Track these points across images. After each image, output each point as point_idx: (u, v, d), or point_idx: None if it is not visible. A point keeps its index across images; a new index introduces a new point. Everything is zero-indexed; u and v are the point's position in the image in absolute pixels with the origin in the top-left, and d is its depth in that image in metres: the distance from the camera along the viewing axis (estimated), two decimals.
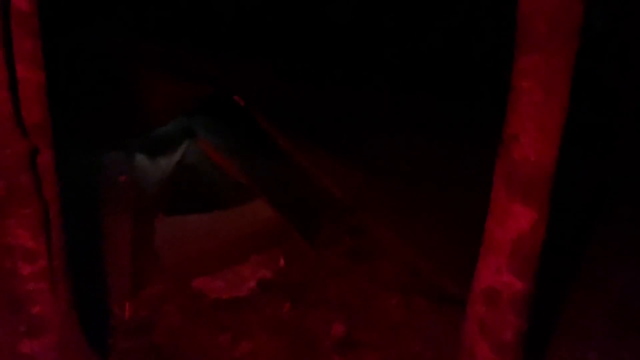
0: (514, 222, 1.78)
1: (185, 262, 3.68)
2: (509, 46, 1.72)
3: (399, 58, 3.29)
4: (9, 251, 1.91)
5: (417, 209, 2.72)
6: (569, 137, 1.70)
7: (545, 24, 1.57)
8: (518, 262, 1.80)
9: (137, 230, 3.52)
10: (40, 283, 1.94)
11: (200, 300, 3.51)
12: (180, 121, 3.65)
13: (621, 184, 4.61)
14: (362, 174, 2.70)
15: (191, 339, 3.12)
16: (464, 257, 2.68)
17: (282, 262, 4.03)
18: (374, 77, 3.08)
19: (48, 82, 1.96)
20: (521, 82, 1.71)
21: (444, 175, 2.83)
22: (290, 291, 3.63)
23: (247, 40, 2.89)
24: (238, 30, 2.87)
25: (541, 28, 1.63)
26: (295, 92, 2.76)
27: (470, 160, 2.87)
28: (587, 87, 1.72)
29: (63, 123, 2.03)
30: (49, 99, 1.98)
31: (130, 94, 2.81)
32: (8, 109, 1.81)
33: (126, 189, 3.44)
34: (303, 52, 2.80)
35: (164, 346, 3.00)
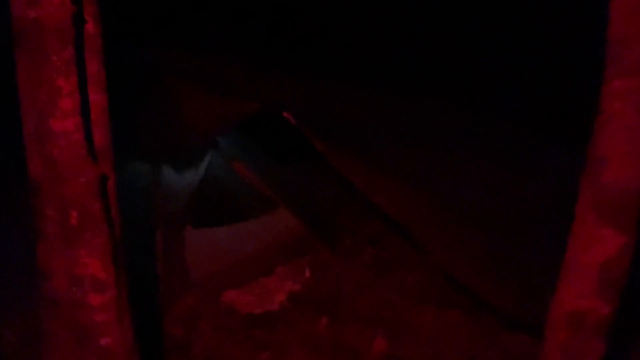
0: (602, 246, 1.77)
1: (215, 275, 3.62)
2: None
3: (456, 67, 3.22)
4: (79, 281, 1.83)
5: (467, 225, 2.68)
6: None
7: None
8: (605, 286, 1.78)
9: (166, 243, 3.44)
10: (109, 314, 1.86)
11: (232, 316, 3.44)
12: None
13: None
14: (415, 191, 2.64)
15: (229, 359, 3.05)
16: (520, 276, 2.67)
17: (307, 273, 3.98)
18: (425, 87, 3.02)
19: None
20: (613, 104, 1.69)
21: (492, 191, 2.80)
22: (322, 305, 3.57)
23: (294, 53, 2.82)
24: (284, 42, 2.80)
25: (637, 51, 1.60)
26: (349, 107, 2.70)
27: (517, 178, 2.85)
28: None
29: None
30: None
31: (168, 111, 2.72)
32: (82, 135, 1.73)
33: (155, 203, 3.35)
34: (353, 63, 2.75)
35: None
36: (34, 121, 1.77)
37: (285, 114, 2.58)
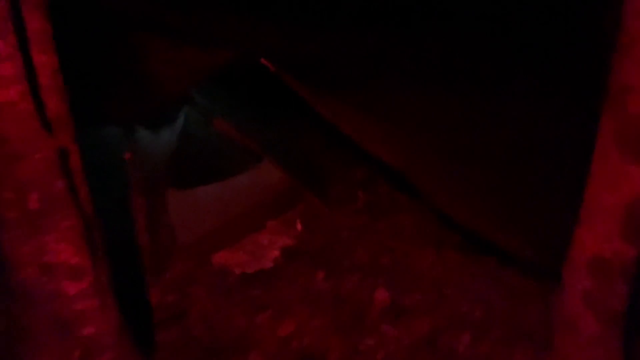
0: (628, 184, 1.59)
1: (204, 237, 3.45)
2: None
3: None
4: (50, 271, 1.62)
5: (464, 165, 2.50)
6: None
7: None
8: (631, 228, 1.63)
9: (149, 209, 3.23)
10: (89, 301, 1.67)
11: (226, 277, 3.30)
12: None
13: None
14: (407, 134, 2.44)
15: (228, 323, 2.93)
16: (526, 215, 2.52)
17: (299, 226, 3.83)
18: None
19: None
20: (637, 23, 1.47)
21: (489, 128, 2.61)
22: (318, 258, 3.44)
23: None
24: None
25: None
26: (332, 50, 2.44)
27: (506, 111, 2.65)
28: None
29: None
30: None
31: (135, 67, 2.44)
32: (30, 104, 1.48)
33: (132, 167, 3.11)
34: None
35: (202, 337, 2.78)
36: None
37: (263, 61, 2.31)
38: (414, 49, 2.63)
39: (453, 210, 2.53)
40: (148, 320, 2.60)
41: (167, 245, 3.27)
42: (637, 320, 1.75)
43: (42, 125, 1.54)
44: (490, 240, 2.52)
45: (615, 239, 1.66)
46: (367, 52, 2.70)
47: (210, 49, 2.34)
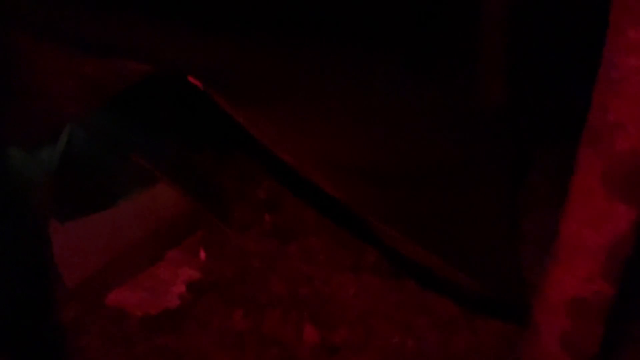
0: (613, 223, 1.54)
1: (94, 275, 2.95)
2: None
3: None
4: None
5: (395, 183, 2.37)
6: None
7: None
8: (613, 267, 1.59)
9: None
10: None
11: (125, 322, 2.84)
12: None
13: None
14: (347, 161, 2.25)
15: None
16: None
17: (202, 254, 3.47)
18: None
19: None
20: (628, 59, 1.41)
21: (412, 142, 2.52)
22: (230, 292, 3.12)
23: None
24: None
25: None
26: (268, 65, 2.17)
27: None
28: None
29: None
30: None
31: (16, 79, 1.95)
32: None
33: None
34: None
35: None
36: None
37: (190, 78, 1.96)
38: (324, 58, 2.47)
39: (392, 240, 2.37)
40: None
41: (50, 288, 2.72)
42: None
43: None
44: (438, 273, 2.39)
45: (597, 279, 1.61)
46: (277, 62, 2.48)
47: (119, 61, 1.93)
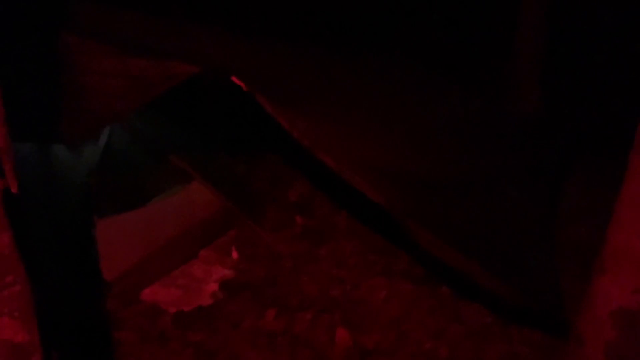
0: None
1: (130, 271, 2.99)
2: None
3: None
4: None
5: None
6: None
7: None
8: None
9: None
10: None
11: (159, 318, 2.87)
12: None
13: None
14: (389, 162, 2.24)
15: None
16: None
17: (235, 254, 3.49)
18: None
19: None
20: None
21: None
22: (262, 292, 3.13)
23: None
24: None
25: None
26: (290, 65, 2.18)
27: None
28: None
29: None
30: None
31: (66, 78, 1.99)
32: None
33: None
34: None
35: None
36: None
37: (234, 79, 1.98)
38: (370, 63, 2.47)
39: (431, 245, 2.36)
40: None
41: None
42: None
43: None
44: (476, 280, 2.37)
45: None
46: (320, 65, 2.49)
47: (166, 61, 1.97)
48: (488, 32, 4.59)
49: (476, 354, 2.68)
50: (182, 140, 3.64)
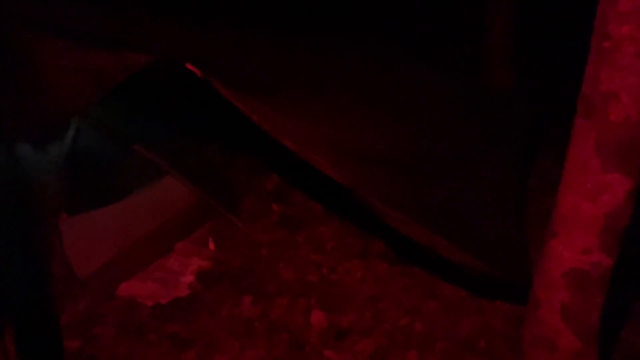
0: (609, 194, 1.53)
1: (105, 267, 2.99)
2: None
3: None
4: None
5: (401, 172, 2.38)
6: None
7: None
8: (610, 238, 1.58)
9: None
10: None
11: (137, 312, 2.89)
12: None
13: None
14: (353, 144, 2.26)
15: None
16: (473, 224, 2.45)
17: (212, 245, 3.50)
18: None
19: None
20: (620, 28, 1.40)
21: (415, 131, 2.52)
22: (239, 280, 3.16)
23: None
24: None
25: None
26: (250, 52, 2.18)
27: None
28: None
29: None
30: None
31: (23, 75, 1.99)
32: None
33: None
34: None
35: None
36: None
37: (188, 66, 1.99)
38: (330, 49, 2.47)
39: (398, 223, 2.38)
40: None
41: (65, 280, 2.78)
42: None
43: None
44: (445, 255, 2.40)
45: (595, 251, 1.60)
46: (280, 52, 2.50)
47: (121, 53, 1.97)
48: (458, 14, 4.60)
49: (450, 327, 2.72)
50: (152, 133, 3.62)
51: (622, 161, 1.52)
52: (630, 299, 2.54)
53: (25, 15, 2.01)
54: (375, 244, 3.40)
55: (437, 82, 3.34)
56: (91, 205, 3.02)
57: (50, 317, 2.31)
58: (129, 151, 3.36)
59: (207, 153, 4.17)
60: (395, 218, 2.26)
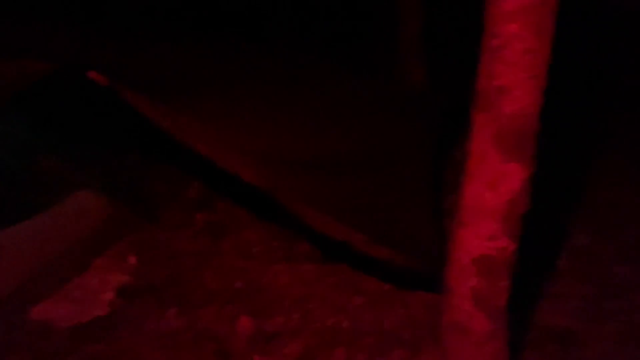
0: (508, 182, 1.63)
1: (17, 290, 2.84)
2: None
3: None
4: None
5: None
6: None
7: None
8: (511, 223, 1.68)
9: None
10: None
11: (54, 336, 2.75)
12: None
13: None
14: (264, 146, 2.27)
15: None
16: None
17: (132, 259, 3.40)
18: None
19: None
20: (507, 26, 1.50)
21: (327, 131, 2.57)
22: (164, 293, 3.08)
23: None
24: None
25: None
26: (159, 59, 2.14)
27: None
28: None
29: None
30: None
31: None
32: None
33: None
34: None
35: None
36: None
37: (93, 74, 1.91)
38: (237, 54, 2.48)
39: (319, 223, 2.41)
40: None
41: None
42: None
43: None
44: (365, 250, 2.45)
45: (499, 237, 1.69)
46: (188, 58, 2.47)
47: (20, 61, 1.87)
48: (366, 9, 4.69)
49: (376, 321, 2.78)
50: (58, 144, 3.46)
51: (518, 151, 1.62)
52: (536, 281, 2.71)
53: None
54: (301, 246, 3.41)
55: (347, 81, 3.39)
56: None
57: None
58: (34, 164, 3.20)
59: (123, 164, 4.03)
60: (316, 218, 2.28)
